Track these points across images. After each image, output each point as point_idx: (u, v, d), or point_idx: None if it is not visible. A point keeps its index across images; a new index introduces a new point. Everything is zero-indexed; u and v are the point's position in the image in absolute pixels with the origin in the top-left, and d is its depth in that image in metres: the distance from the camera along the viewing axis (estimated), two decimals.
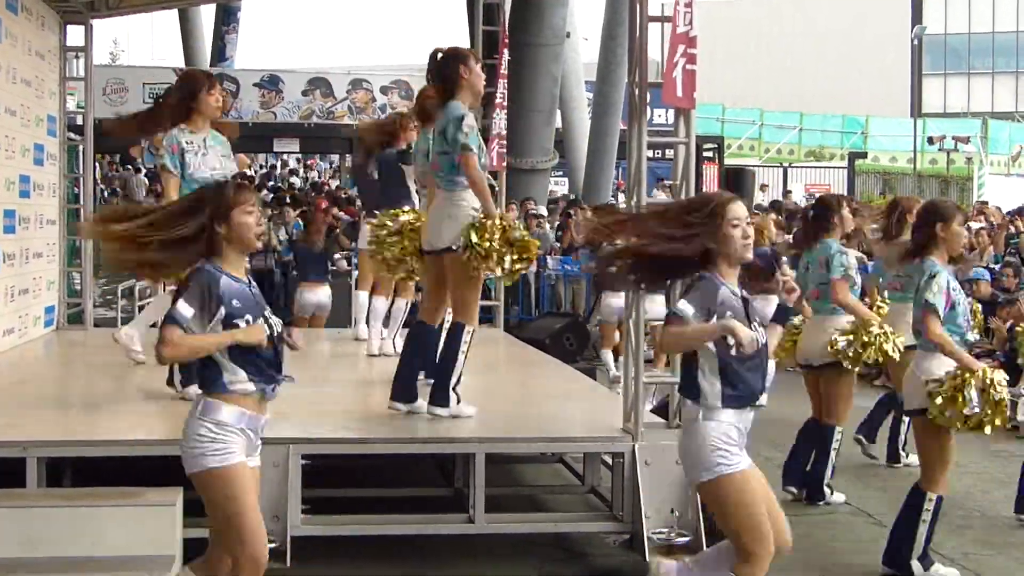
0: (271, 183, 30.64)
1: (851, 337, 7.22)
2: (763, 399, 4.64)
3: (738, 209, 4.55)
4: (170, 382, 6.86)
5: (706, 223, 4.52)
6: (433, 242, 6.39)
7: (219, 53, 32.70)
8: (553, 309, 15.37)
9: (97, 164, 33.23)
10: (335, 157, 36.12)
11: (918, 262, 5.89)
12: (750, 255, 4.56)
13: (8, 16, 8.99)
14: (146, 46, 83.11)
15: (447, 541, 6.13)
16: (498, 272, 6.18)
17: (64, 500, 5.35)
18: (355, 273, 14.22)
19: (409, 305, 9.10)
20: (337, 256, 14.83)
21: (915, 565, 5.89)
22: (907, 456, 8.33)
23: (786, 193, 28.53)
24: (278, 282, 16.44)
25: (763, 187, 29.34)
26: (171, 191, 6.62)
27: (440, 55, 6.36)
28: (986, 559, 6.44)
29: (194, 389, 4.42)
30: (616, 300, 10.52)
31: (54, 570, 4.96)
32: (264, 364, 4.27)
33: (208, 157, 6.72)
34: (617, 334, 11.09)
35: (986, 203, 21.87)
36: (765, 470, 4.77)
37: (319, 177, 36.67)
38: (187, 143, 6.67)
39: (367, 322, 9.27)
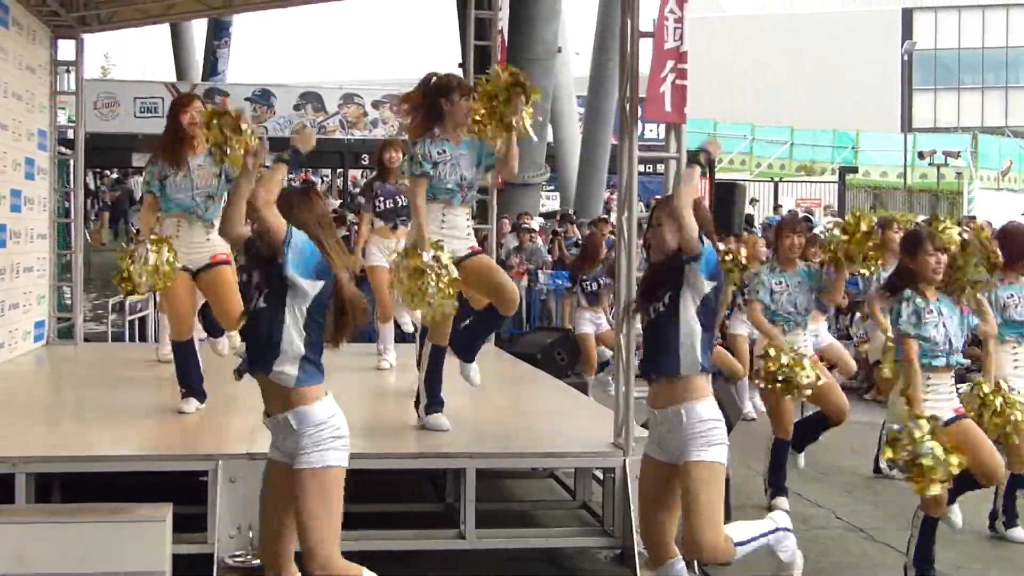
0: None
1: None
2: None
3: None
4: None
5: None
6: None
7: (211, 67, 32.71)
8: (544, 324, 15.35)
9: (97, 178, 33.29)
10: (327, 172, 36.11)
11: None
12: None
13: None
14: (138, 60, 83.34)
15: (438, 556, 6.11)
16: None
17: (53, 516, 5.32)
18: None
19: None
20: None
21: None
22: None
23: (776, 207, 28.57)
24: None
25: (753, 201, 29.32)
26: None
27: (431, 81, 6.29)
28: (976, 573, 6.45)
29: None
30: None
31: None
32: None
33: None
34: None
35: (974, 217, 21.91)
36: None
37: None
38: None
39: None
